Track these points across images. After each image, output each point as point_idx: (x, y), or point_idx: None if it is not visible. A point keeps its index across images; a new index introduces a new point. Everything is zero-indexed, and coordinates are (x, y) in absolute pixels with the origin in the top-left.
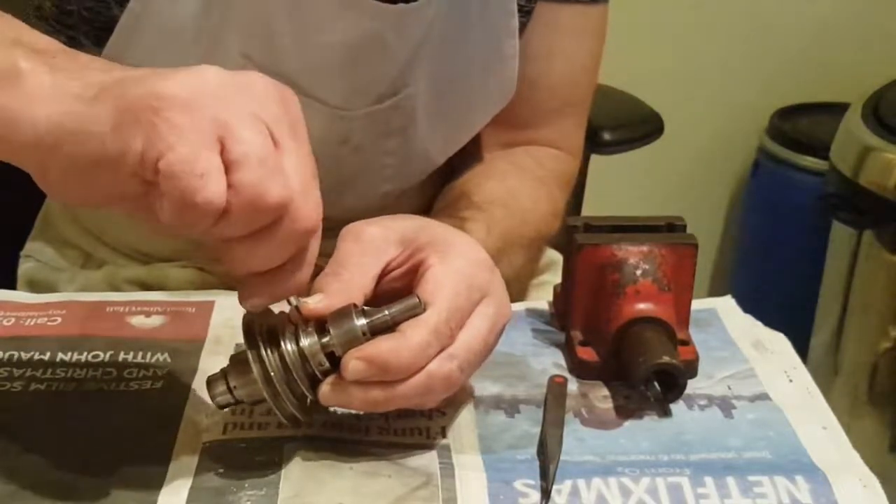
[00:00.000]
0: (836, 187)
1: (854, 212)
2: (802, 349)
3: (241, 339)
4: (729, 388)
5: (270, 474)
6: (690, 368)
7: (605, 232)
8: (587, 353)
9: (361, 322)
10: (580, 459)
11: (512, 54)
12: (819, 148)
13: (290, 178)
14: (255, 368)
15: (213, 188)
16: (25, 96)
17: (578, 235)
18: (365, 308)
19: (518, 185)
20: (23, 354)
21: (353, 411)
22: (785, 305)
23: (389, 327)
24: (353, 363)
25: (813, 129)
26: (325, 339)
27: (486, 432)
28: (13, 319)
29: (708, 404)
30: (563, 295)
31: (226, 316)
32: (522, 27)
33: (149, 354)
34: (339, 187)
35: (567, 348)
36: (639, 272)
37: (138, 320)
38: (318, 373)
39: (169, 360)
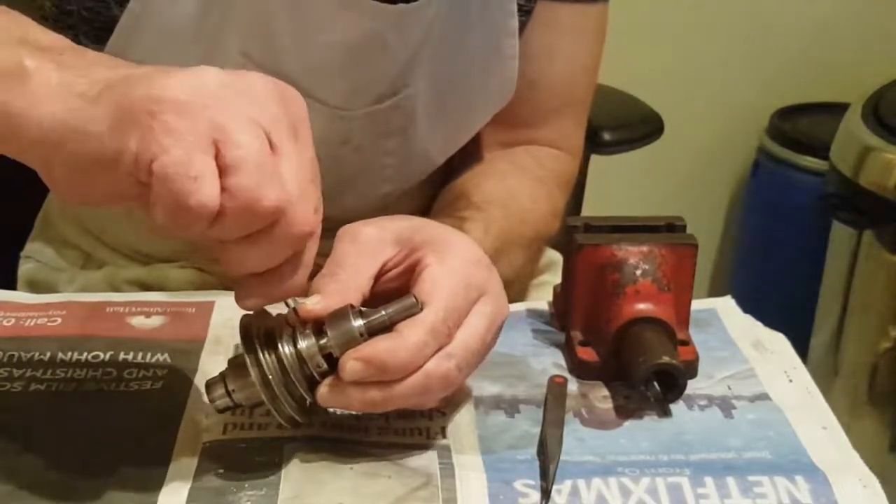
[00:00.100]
0: (836, 187)
1: (854, 212)
2: (802, 349)
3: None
4: (729, 389)
5: (270, 475)
6: (690, 368)
7: (605, 232)
8: (587, 354)
9: (359, 323)
10: (580, 459)
11: (512, 54)
12: (819, 148)
13: (286, 182)
14: (252, 372)
15: (207, 191)
16: (31, 94)
17: (578, 235)
18: (362, 309)
19: (517, 185)
20: (23, 355)
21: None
22: (785, 305)
23: (387, 327)
24: (351, 364)
25: (813, 129)
26: (322, 341)
27: (486, 432)
28: (13, 320)
29: (708, 404)
30: (562, 295)
31: (226, 316)
32: (522, 27)
33: (149, 355)
34: (339, 187)
35: (567, 348)
36: (639, 272)
37: (138, 320)
38: (316, 374)
39: (169, 360)
